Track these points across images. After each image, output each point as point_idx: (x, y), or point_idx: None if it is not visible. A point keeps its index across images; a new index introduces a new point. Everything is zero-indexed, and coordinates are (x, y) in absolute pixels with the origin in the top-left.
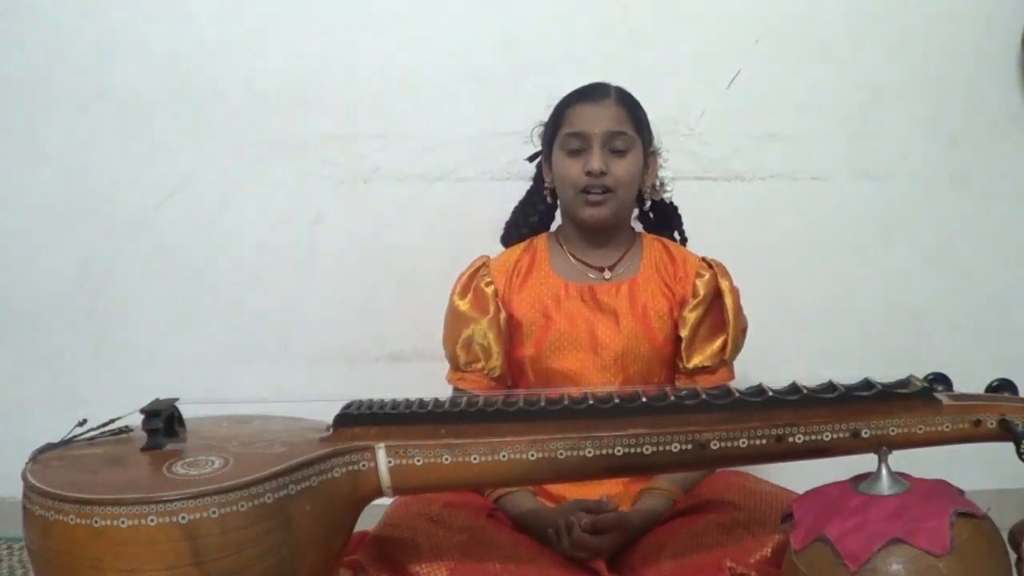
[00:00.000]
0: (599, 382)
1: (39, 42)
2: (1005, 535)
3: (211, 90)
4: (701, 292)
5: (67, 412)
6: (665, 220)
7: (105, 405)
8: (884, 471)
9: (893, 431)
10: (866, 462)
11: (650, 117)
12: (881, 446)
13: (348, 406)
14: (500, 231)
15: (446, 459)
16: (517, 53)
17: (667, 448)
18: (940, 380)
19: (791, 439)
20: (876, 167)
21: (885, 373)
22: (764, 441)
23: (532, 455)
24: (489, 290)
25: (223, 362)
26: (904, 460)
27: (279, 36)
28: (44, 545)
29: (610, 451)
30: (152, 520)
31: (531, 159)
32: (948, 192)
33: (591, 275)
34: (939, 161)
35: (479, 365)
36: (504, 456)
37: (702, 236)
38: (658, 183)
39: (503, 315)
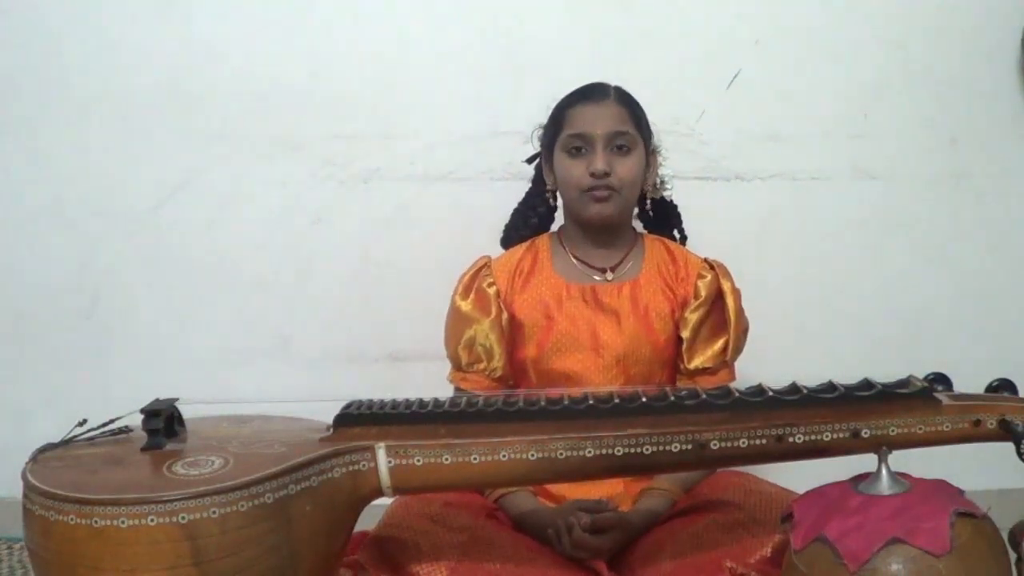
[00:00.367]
0: (601, 383)
1: (39, 42)
2: (1005, 535)
3: (211, 90)
4: (703, 293)
5: (67, 412)
6: (665, 218)
7: (105, 405)
8: (884, 471)
9: (893, 431)
10: (866, 462)
11: (650, 117)
12: (881, 446)
13: (348, 406)
14: (500, 231)
15: (446, 459)
16: (517, 53)
17: (667, 448)
18: (940, 380)
19: (791, 439)
20: (876, 167)
21: (885, 373)
22: (764, 441)
23: (532, 455)
24: (491, 291)
25: (223, 362)
26: (904, 460)
27: (279, 36)
28: (44, 545)
29: (610, 451)
30: (152, 520)
31: (530, 161)
32: (948, 192)
33: (593, 276)
34: (939, 161)
35: (481, 366)
36: (504, 456)
37: (702, 236)
38: (658, 181)
39: (505, 316)
